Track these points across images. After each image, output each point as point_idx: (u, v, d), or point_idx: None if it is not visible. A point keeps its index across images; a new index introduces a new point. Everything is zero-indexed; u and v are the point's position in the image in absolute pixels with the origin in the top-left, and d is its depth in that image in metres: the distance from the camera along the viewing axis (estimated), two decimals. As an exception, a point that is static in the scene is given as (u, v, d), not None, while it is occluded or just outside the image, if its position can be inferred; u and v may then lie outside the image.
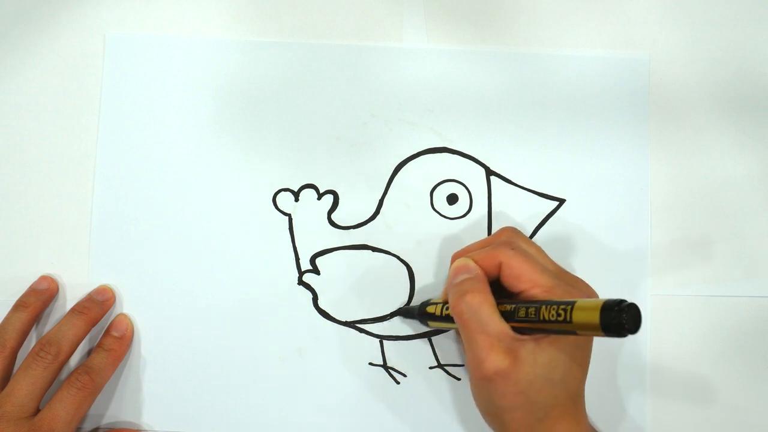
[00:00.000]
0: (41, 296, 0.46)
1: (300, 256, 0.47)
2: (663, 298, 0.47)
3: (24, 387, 0.42)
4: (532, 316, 0.36)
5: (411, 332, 0.47)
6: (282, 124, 0.48)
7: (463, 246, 0.44)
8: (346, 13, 0.49)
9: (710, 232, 0.48)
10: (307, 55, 0.48)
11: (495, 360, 0.37)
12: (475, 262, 0.41)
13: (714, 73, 0.48)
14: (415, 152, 0.48)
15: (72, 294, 0.47)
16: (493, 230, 0.47)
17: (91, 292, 0.47)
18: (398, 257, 0.47)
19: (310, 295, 0.47)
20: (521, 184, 0.48)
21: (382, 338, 0.47)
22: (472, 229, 0.47)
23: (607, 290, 0.47)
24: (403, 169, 0.48)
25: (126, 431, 0.46)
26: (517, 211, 0.47)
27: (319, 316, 0.47)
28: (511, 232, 0.43)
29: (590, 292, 0.40)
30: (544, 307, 0.36)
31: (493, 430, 0.41)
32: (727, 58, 0.49)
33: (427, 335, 0.47)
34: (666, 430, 0.47)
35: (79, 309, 0.46)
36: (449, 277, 0.42)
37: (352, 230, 0.48)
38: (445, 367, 0.47)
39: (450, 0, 0.49)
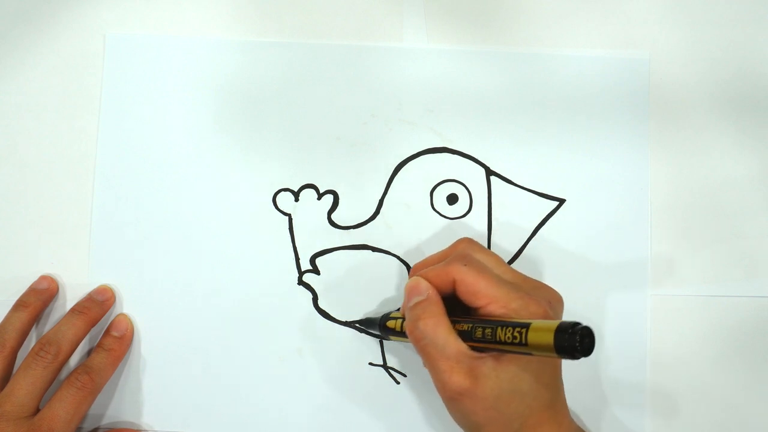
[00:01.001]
0: (41, 296, 0.46)
1: (300, 256, 0.47)
2: (663, 298, 0.47)
3: (24, 386, 0.42)
4: (489, 336, 0.36)
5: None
6: (282, 124, 0.48)
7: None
8: (346, 13, 0.49)
9: (710, 232, 0.48)
10: (307, 55, 0.48)
11: (457, 381, 0.37)
12: (429, 279, 0.40)
13: (714, 73, 0.48)
14: (415, 152, 0.48)
15: (72, 294, 0.47)
16: (493, 230, 0.47)
17: (91, 292, 0.47)
18: (398, 257, 0.47)
19: (310, 295, 0.47)
20: (521, 184, 0.48)
21: (382, 338, 0.47)
22: (472, 229, 0.47)
23: (607, 290, 0.47)
24: (403, 169, 0.48)
25: (126, 431, 0.46)
26: (517, 211, 0.47)
27: (319, 316, 0.47)
28: (466, 243, 0.42)
29: (552, 297, 0.40)
30: (500, 328, 0.35)
31: None
32: (727, 58, 0.49)
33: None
34: (666, 430, 0.47)
35: (79, 309, 0.46)
36: (405, 296, 0.41)
37: (352, 230, 0.48)
38: (445, 367, 0.47)
39: (450, 0, 0.49)
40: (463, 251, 0.41)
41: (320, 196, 0.48)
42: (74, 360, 0.47)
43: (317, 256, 0.47)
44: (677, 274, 0.47)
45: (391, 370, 0.47)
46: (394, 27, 0.49)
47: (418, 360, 0.47)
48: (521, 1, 0.49)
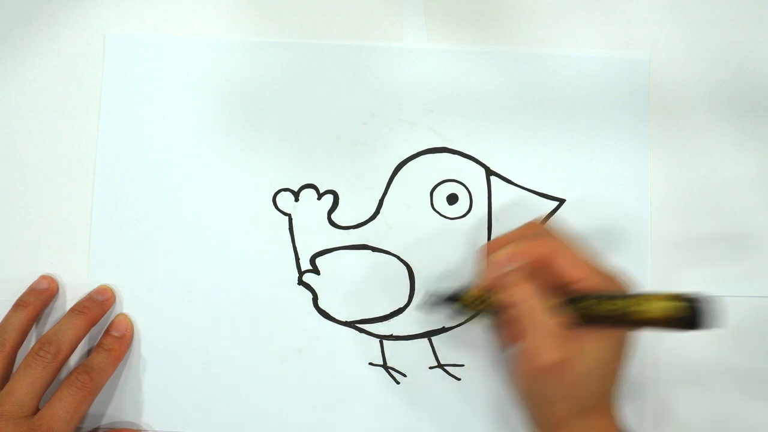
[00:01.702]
0: (41, 296, 0.46)
1: (300, 256, 0.47)
2: (663, 298, 0.47)
3: (24, 386, 0.42)
4: (594, 307, 0.36)
5: (411, 332, 0.47)
6: (282, 124, 0.48)
7: (485, 241, 0.43)
8: (346, 13, 0.49)
9: (710, 232, 0.48)
10: (307, 55, 0.48)
11: (549, 354, 0.37)
12: (518, 253, 0.40)
13: (714, 73, 0.48)
14: (415, 152, 0.48)
15: (72, 294, 0.47)
16: (493, 231, 0.47)
17: (91, 292, 0.47)
18: (398, 257, 0.47)
19: (310, 295, 0.47)
20: (521, 184, 0.48)
21: (382, 338, 0.47)
22: (472, 229, 0.47)
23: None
24: (403, 169, 0.48)
25: (126, 431, 0.46)
26: (517, 211, 0.47)
27: (319, 316, 0.47)
28: (542, 225, 0.42)
29: (631, 285, 0.40)
30: (607, 299, 0.35)
31: (535, 420, 0.41)
32: (727, 58, 0.49)
33: (427, 335, 0.47)
34: (666, 430, 0.46)
35: (79, 309, 0.46)
36: (489, 268, 0.40)
37: (352, 230, 0.48)
38: (445, 367, 0.47)
39: (450, 0, 0.49)
40: (546, 230, 0.41)
41: (320, 196, 0.48)
42: (74, 360, 0.47)
43: (317, 256, 0.47)
44: (677, 274, 0.47)
45: (391, 370, 0.47)
46: (394, 27, 0.49)
47: (418, 360, 0.47)
48: (521, 1, 0.49)
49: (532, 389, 0.39)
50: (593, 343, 0.38)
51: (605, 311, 0.35)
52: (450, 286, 0.46)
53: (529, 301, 0.38)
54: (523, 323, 0.38)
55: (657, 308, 0.33)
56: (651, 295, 0.34)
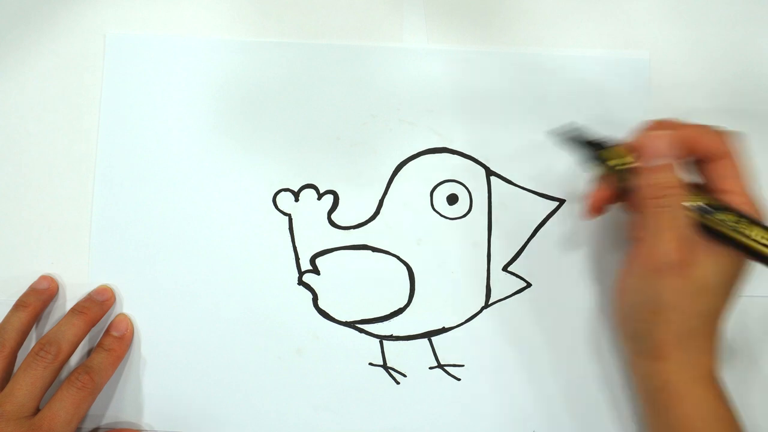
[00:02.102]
0: (41, 296, 0.46)
1: (300, 256, 0.47)
2: (663, 298, 0.47)
3: (24, 387, 0.42)
4: (741, 227, 0.36)
5: (411, 332, 0.47)
6: (282, 124, 0.48)
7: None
8: (346, 13, 0.49)
9: (710, 232, 0.48)
10: (307, 55, 0.48)
11: (677, 255, 0.37)
12: (687, 139, 0.38)
13: (714, 73, 0.48)
14: (415, 152, 0.48)
15: (72, 294, 0.47)
16: (493, 231, 0.47)
17: (91, 292, 0.47)
18: (398, 257, 0.47)
19: (310, 295, 0.47)
20: (521, 184, 0.48)
21: (382, 338, 0.47)
22: (472, 229, 0.47)
23: (607, 290, 0.47)
24: (403, 169, 0.48)
25: (126, 431, 0.46)
26: (517, 211, 0.47)
27: (319, 316, 0.47)
28: (727, 132, 0.40)
29: None
30: (757, 227, 0.35)
31: (638, 329, 0.40)
32: (727, 58, 0.49)
33: (427, 335, 0.47)
34: (666, 430, 0.47)
35: (79, 309, 0.46)
36: (650, 139, 0.39)
37: (352, 230, 0.48)
38: (445, 368, 0.47)
39: (450, 0, 0.49)
40: (724, 133, 0.39)
41: (320, 196, 0.48)
42: (74, 360, 0.47)
43: (317, 256, 0.47)
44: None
45: (391, 370, 0.47)
46: (394, 27, 0.49)
47: (418, 360, 0.47)
48: (521, 1, 0.49)
49: (647, 292, 0.38)
50: (718, 257, 0.37)
51: (736, 230, 0.35)
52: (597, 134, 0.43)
53: (674, 195, 0.37)
54: (658, 221, 0.38)
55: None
56: None
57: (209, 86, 0.48)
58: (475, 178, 0.48)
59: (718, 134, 0.39)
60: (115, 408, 0.47)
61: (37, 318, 0.46)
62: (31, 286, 0.47)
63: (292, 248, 0.47)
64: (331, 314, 0.47)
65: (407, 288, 0.47)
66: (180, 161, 0.48)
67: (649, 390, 0.41)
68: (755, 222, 0.36)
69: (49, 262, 0.47)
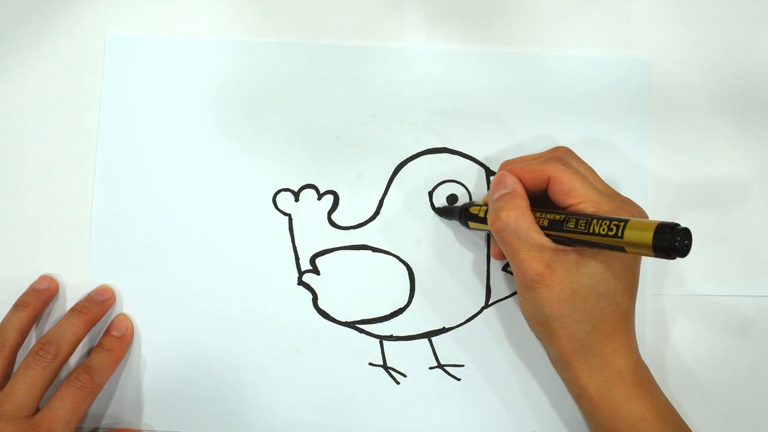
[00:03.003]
0: (41, 296, 0.46)
1: (300, 256, 0.47)
2: (663, 297, 0.47)
3: (23, 386, 0.42)
4: (582, 228, 0.37)
5: (411, 332, 0.47)
6: (282, 124, 0.48)
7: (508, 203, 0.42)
8: (346, 13, 0.49)
9: (710, 232, 0.48)
10: (307, 55, 0.48)
11: (536, 269, 0.39)
12: (522, 175, 0.41)
13: (714, 73, 0.48)
14: (415, 152, 0.48)
15: (72, 294, 0.47)
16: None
17: (91, 292, 0.47)
18: (398, 257, 0.47)
19: (310, 295, 0.47)
20: (521, 184, 0.48)
21: (382, 338, 0.47)
22: (472, 229, 0.47)
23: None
24: (403, 169, 0.48)
25: (126, 431, 0.46)
26: (517, 211, 0.47)
27: (319, 316, 0.47)
28: (565, 150, 0.43)
29: (641, 213, 0.41)
30: (595, 221, 0.36)
31: (543, 341, 0.42)
32: (727, 58, 0.49)
33: (427, 335, 0.47)
34: (666, 430, 0.47)
35: (79, 309, 0.46)
36: (490, 189, 0.42)
37: (352, 230, 0.48)
38: (445, 367, 0.47)
39: (450, 0, 0.49)
40: (562, 155, 0.42)
41: (320, 196, 0.48)
42: (74, 360, 0.47)
43: (317, 256, 0.47)
44: (677, 274, 0.47)
45: (391, 370, 0.47)
46: (394, 27, 0.49)
47: (418, 360, 0.47)
48: (521, 1, 0.49)
49: (533, 307, 0.40)
50: (586, 261, 0.38)
51: (592, 231, 0.36)
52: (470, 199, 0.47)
53: (513, 226, 0.39)
54: (509, 247, 0.40)
55: (634, 234, 0.34)
56: (636, 220, 0.35)
57: (209, 86, 0.48)
58: (475, 178, 0.48)
59: (554, 161, 0.41)
60: (115, 408, 0.47)
61: (37, 318, 0.46)
62: (31, 286, 0.47)
63: (292, 248, 0.47)
64: (331, 314, 0.47)
65: (407, 288, 0.47)
66: (180, 161, 0.48)
67: (573, 397, 0.42)
68: (595, 217, 0.37)
69: (49, 262, 0.47)
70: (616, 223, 0.35)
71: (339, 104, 0.48)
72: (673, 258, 0.33)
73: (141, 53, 0.48)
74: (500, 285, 0.47)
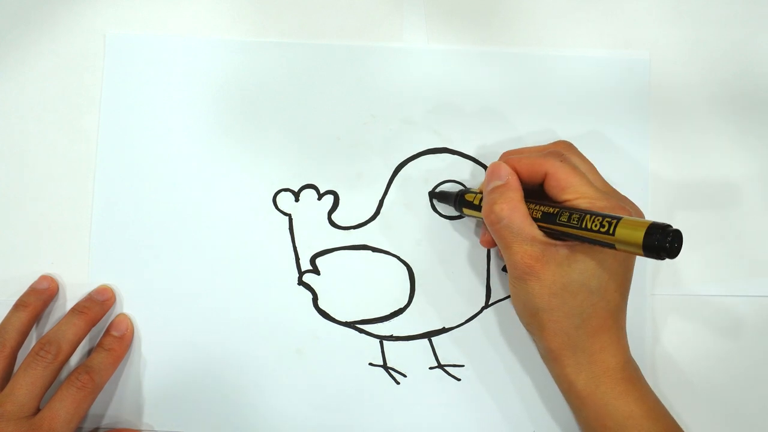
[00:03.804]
0: (41, 296, 0.46)
1: (300, 256, 0.47)
2: (663, 298, 0.47)
3: (24, 386, 0.42)
4: (575, 222, 0.37)
5: (411, 333, 0.47)
6: (282, 124, 0.48)
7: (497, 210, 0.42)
8: (346, 13, 0.49)
9: (710, 232, 0.48)
10: (307, 55, 0.48)
11: (528, 261, 0.39)
12: (519, 168, 0.41)
13: (714, 73, 0.48)
14: (415, 152, 0.48)
15: (72, 294, 0.47)
16: (493, 230, 0.47)
17: (91, 292, 0.47)
18: (398, 257, 0.47)
19: (310, 295, 0.47)
20: (521, 184, 0.48)
21: (382, 338, 0.47)
22: (472, 230, 0.47)
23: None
24: (403, 169, 0.48)
25: (126, 431, 0.46)
26: (517, 211, 0.47)
27: (319, 316, 0.47)
28: (565, 144, 0.43)
29: (637, 212, 0.41)
30: (588, 216, 0.37)
31: (532, 334, 0.42)
32: (727, 58, 0.49)
33: (427, 336, 0.47)
34: (666, 430, 0.47)
35: (79, 309, 0.46)
36: (485, 177, 0.42)
37: (352, 230, 0.48)
38: (445, 368, 0.47)
39: (450, 0, 0.49)
40: (561, 149, 0.42)
41: (320, 196, 0.48)
42: (74, 360, 0.47)
43: (317, 257, 0.47)
44: (677, 274, 0.47)
45: (391, 370, 0.47)
46: (394, 27, 0.49)
47: (418, 360, 0.47)
48: (521, 1, 0.49)
49: (523, 298, 0.40)
50: (578, 256, 0.39)
51: (585, 226, 0.36)
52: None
53: (506, 218, 0.40)
54: (502, 238, 0.40)
55: (626, 232, 0.35)
56: (629, 219, 0.35)
57: (209, 86, 0.48)
58: (475, 178, 0.48)
59: (553, 156, 0.41)
60: (115, 408, 0.47)
61: (37, 318, 0.46)
62: (31, 286, 0.47)
63: (292, 248, 0.47)
64: (331, 314, 0.47)
65: (407, 288, 0.47)
66: (180, 161, 0.48)
67: (563, 393, 0.42)
68: (588, 212, 0.37)
69: (49, 262, 0.47)
70: (609, 219, 0.35)
71: (339, 104, 0.48)
72: (663, 258, 0.33)
73: (141, 53, 0.48)
74: (500, 285, 0.47)
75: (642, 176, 0.48)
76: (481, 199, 0.43)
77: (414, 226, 0.47)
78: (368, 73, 0.48)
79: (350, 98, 0.48)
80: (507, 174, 0.41)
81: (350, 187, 0.48)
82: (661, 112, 0.48)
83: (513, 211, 0.40)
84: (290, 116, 0.48)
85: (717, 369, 0.47)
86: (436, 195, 0.47)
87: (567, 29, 0.49)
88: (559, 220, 0.38)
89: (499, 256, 0.47)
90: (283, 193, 0.48)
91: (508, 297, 0.47)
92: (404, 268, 0.47)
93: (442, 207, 0.47)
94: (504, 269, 0.47)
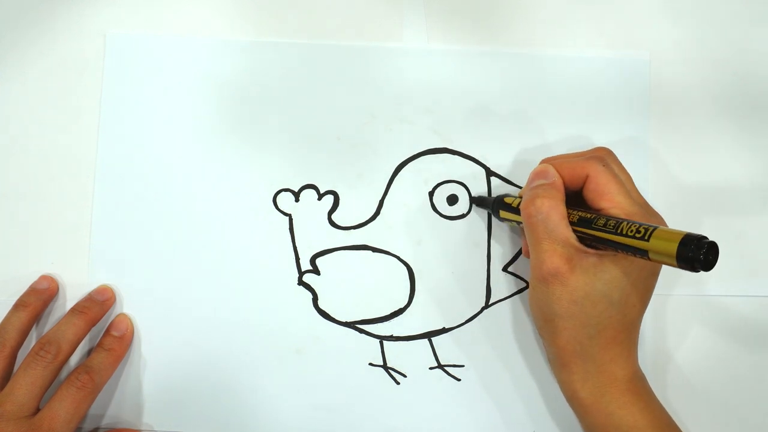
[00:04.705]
0: (41, 296, 0.46)
1: (300, 257, 0.47)
2: (663, 298, 0.47)
3: (24, 386, 0.42)
4: (611, 228, 0.37)
5: (411, 333, 0.47)
6: (282, 124, 0.48)
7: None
8: (346, 13, 0.49)
9: (710, 232, 0.48)
10: (307, 55, 0.48)
11: (556, 263, 0.38)
12: (561, 169, 0.41)
13: (714, 73, 0.48)
14: (415, 152, 0.48)
15: (72, 294, 0.47)
16: (493, 232, 0.47)
17: (91, 292, 0.47)
18: (398, 257, 0.47)
19: (310, 296, 0.47)
20: (521, 185, 0.48)
21: (382, 338, 0.47)
22: (472, 230, 0.47)
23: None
24: (403, 169, 0.48)
25: (126, 431, 0.46)
26: (517, 211, 0.47)
27: (319, 316, 0.47)
28: (607, 151, 0.43)
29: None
30: (625, 222, 0.36)
31: (544, 338, 0.42)
32: (727, 58, 0.49)
33: (427, 336, 0.47)
34: (666, 430, 0.47)
35: (79, 309, 0.46)
36: (528, 179, 0.42)
37: (352, 230, 0.48)
38: (445, 368, 0.47)
39: (450, 0, 0.49)
40: (603, 155, 0.42)
41: (321, 196, 0.48)
42: (74, 360, 0.47)
43: (317, 257, 0.47)
44: (677, 274, 0.47)
45: (391, 370, 0.47)
46: (394, 27, 0.49)
47: (418, 360, 0.47)
48: (521, 1, 0.49)
49: (542, 301, 0.40)
50: (605, 266, 0.38)
51: (620, 231, 0.36)
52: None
53: (544, 214, 0.39)
54: (535, 234, 0.39)
55: (661, 242, 0.34)
56: (664, 229, 0.35)
57: (209, 86, 0.48)
58: (475, 178, 0.48)
59: (594, 161, 0.41)
60: (115, 408, 0.47)
61: (37, 318, 0.46)
62: (31, 286, 0.47)
63: (292, 248, 0.47)
64: (331, 314, 0.47)
65: (407, 288, 0.47)
66: (180, 161, 0.48)
67: (567, 400, 0.42)
68: (624, 220, 0.37)
69: (49, 262, 0.47)
70: (645, 227, 0.35)
71: (339, 104, 0.48)
72: (697, 270, 0.33)
73: (141, 53, 0.48)
74: (500, 285, 0.47)
75: (642, 176, 0.48)
76: (519, 203, 0.43)
77: (414, 226, 0.47)
78: (368, 73, 0.48)
79: (350, 98, 0.48)
80: (553, 175, 0.41)
81: (350, 187, 0.48)
82: (661, 112, 0.48)
83: (552, 208, 0.39)
84: (290, 116, 0.48)
85: (717, 369, 0.47)
86: (474, 200, 0.47)
87: (567, 29, 0.49)
88: (595, 224, 0.38)
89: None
90: (283, 193, 0.48)
91: (508, 297, 0.47)
92: (404, 268, 0.47)
93: (448, 210, 0.47)
94: (505, 269, 0.47)
